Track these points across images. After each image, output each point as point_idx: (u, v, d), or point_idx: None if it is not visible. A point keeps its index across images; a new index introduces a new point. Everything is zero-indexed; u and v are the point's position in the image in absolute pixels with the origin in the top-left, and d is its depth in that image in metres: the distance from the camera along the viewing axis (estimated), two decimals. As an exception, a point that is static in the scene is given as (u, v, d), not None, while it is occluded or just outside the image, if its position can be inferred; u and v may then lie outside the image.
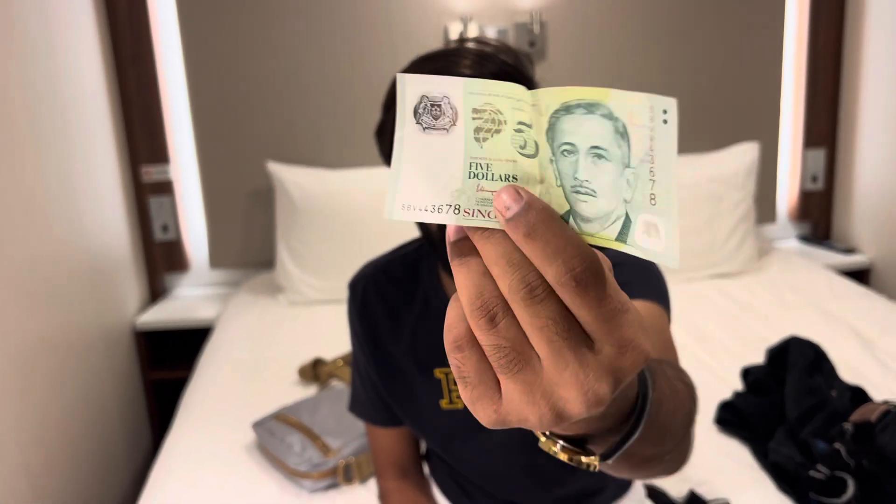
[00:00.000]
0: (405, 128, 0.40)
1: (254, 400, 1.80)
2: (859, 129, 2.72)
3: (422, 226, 0.94)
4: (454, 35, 2.60)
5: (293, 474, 1.44)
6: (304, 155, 2.64)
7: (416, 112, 0.40)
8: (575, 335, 0.35)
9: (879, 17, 2.56)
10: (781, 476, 1.40)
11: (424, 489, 1.14)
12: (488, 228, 0.37)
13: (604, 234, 0.38)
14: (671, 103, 0.36)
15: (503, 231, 0.36)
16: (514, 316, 0.36)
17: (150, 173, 2.60)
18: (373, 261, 1.08)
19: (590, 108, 0.37)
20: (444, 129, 0.40)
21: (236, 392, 1.88)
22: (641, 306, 0.87)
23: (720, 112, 2.79)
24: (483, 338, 0.36)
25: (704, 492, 1.39)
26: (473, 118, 0.39)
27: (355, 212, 2.46)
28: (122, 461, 2.25)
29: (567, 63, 2.69)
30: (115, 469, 2.18)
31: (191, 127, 2.61)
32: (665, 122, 0.37)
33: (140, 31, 2.49)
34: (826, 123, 2.85)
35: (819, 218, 2.95)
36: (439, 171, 0.39)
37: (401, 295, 1.03)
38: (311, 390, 1.87)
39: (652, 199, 0.37)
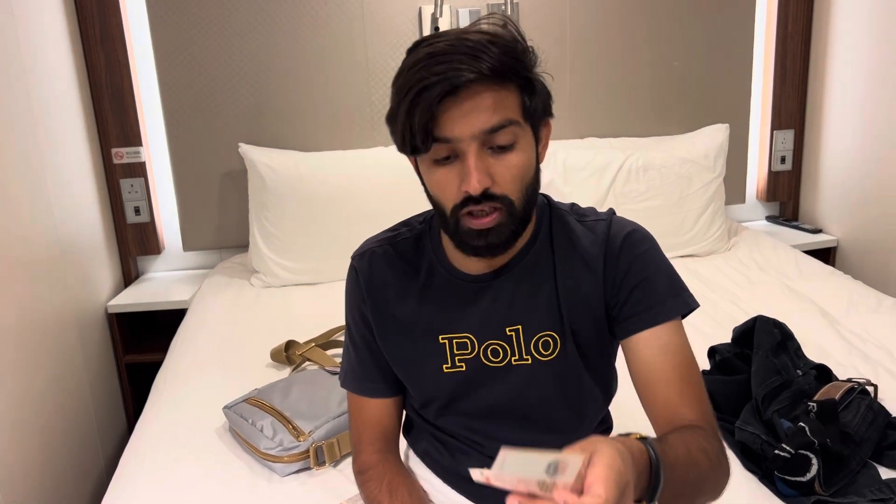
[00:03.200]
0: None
1: (226, 383, 1.80)
2: (826, 111, 2.76)
3: (432, 199, 0.98)
4: (427, 17, 2.58)
5: (264, 458, 1.45)
6: (276, 137, 2.62)
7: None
8: None
9: (846, 0, 2.59)
10: (747, 455, 1.43)
11: (402, 467, 1.16)
12: None
13: None
14: None
15: None
16: None
17: (121, 155, 2.57)
18: (376, 235, 1.13)
19: None
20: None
21: (208, 375, 1.87)
22: (669, 333, 0.99)
23: (691, 94, 2.81)
24: None
25: (672, 470, 1.41)
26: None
27: (327, 194, 2.45)
28: (97, 445, 2.24)
29: (539, 44, 2.67)
30: (89, 453, 2.17)
31: (161, 108, 2.58)
32: None
33: (107, 9, 2.45)
34: (794, 105, 2.88)
35: (787, 198, 2.99)
36: None
37: (405, 265, 1.08)
38: (283, 373, 1.87)
39: None
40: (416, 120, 0.89)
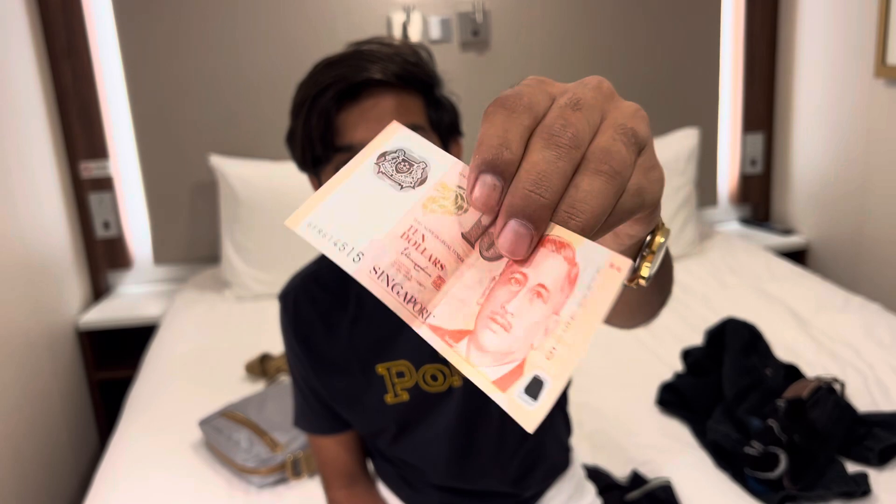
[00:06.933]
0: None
1: (200, 397, 1.79)
2: (795, 114, 2.80)
3: None
4: (396, 26, 2.59)
5: (241, 471, 1.44)
6: (247, 147, 2.61)
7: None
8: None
9: (811, 2, 2.63)
10: (719, 454, 1.45)
11: (373, 494, 1.14)
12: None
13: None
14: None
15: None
16: None
17: (90, 169, 2.55)
18: (300, 271, 1.08)
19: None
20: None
21: (182, 390, 1.86)
22: None
23: (661, 99, 2.84)
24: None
25: (647, 471, 1.42)
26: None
27: (300, 204, 2.44)
28: (68, 463, 2.21)
29: (510, 52, 2.70)
30: (60, 471, 2.14)
31: (130, 120, 2.56)
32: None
33: (73, 22, 2.43)
34: (763, 108, 2.92)
35: (758, 200, 3.03)
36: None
37: (333, 299, 1.03)
38: (258, 386, 1.87)
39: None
40: (313, 126, 0.85)
